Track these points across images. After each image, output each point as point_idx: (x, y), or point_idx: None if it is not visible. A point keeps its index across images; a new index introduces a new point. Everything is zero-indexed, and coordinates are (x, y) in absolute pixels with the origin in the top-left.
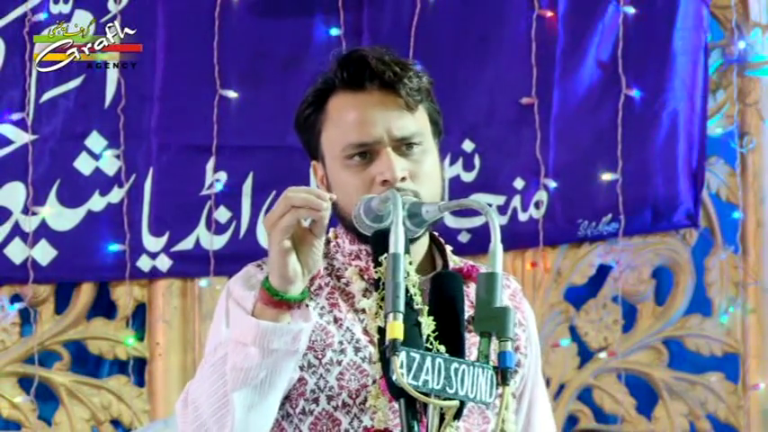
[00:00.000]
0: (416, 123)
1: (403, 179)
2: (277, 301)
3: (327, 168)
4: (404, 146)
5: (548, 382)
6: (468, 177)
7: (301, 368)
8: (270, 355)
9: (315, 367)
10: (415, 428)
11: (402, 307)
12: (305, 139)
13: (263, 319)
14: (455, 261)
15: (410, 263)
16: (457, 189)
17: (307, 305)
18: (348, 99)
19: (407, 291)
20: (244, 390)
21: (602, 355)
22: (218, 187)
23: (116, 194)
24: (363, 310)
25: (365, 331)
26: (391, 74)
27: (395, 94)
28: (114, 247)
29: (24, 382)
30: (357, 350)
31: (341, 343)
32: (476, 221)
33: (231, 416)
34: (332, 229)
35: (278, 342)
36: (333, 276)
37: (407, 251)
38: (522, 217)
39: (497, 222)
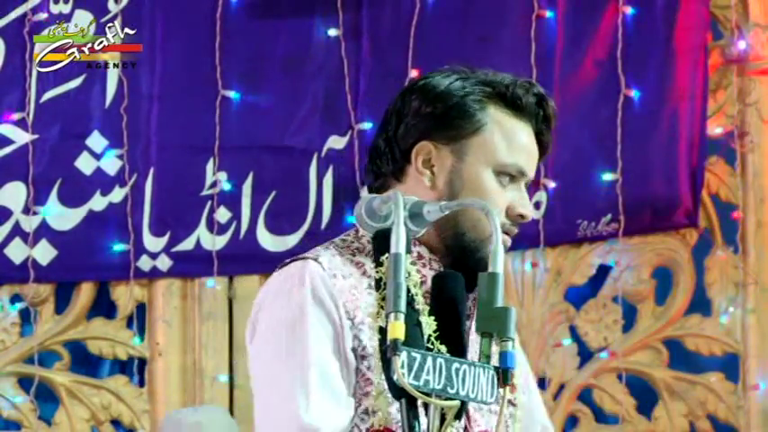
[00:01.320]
0: None
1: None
2: None
3: (465, 164)
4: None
5: (548, 382)
6: None
7: (368, 368)
8: None
9: (378, 368)
10: (416, 428)
11: (403, 307)
12: (434, 117)
13: None
14: None
15: (412, 263)
16: None
17: None
18: (518, 122)
19: (409, 291)
20: None
21: (602, 355)
22: (225, 187)
23: (117, 194)
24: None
25: None
26: (549, 125)
27: (539, 140)
28: (120, 247)
29: (24, 383)
30: None
31: None
32: None
33: None
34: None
35: None
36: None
37: (409, 251)
38: None
39: (498, 222)
